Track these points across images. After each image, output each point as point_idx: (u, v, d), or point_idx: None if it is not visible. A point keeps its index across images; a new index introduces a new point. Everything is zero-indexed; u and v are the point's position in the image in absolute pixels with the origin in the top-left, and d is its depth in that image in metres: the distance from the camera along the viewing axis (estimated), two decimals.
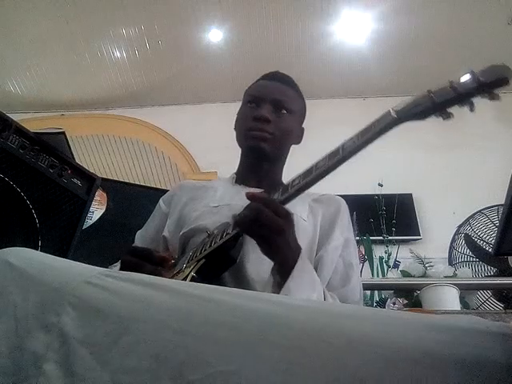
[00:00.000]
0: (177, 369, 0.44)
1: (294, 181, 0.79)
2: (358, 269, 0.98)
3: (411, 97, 0.71)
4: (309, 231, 0.97)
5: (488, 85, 0.64)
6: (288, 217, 0.77)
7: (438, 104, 0.67)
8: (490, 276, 2.14)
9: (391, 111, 0.71)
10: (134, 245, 1.09)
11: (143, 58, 4.26)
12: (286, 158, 1.13)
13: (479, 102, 0.66)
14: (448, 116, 0.68)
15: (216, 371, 0.43)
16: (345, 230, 1.02)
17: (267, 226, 0.74)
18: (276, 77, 1.12)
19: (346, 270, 0.96)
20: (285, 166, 1.14)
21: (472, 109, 0.66)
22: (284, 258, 0.78)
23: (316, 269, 0.93)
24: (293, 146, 1.14)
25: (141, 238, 1.09)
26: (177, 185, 1.18)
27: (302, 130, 1.15)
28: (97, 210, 2.06)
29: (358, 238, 2.24)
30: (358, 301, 0.94)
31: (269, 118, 1.02)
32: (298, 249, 0.80)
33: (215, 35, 4.06)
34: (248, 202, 0.84)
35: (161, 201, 1.13)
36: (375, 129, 0.71)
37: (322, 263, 0.94)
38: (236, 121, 1.12)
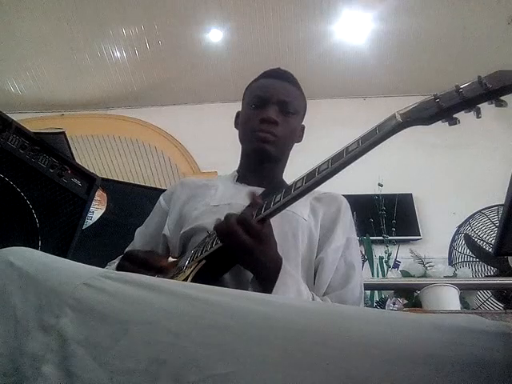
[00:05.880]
0: (175, 371, 0.44)
1: (296, 183, 0.78)
2: (359, 268, 0.97)
3: (416, 100, 0.69)
4: (310, 231, 0.96)
5: (495, 92, 0.62)
6: (259, 236, 0.77)
7: (444, 109, 0.65)
8: (490, 276, 2.13)
9: (396, 115, 0.69)
10: (132, 244, 1.08)
11: (143, 57, 4.25)
12: (287, 158, 1.12)
13: None
14: (454, 122, 0.66)
15: (215, 373, 0.43)
16: (347, 229, 1.00)
17: (235, 245, 0.76)
18: (279, 75, 1.09)
19: (346, 270, 0.94)
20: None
21: (479, 115, 0.65)
22: (257, 273, 0.80)
23: (316, 270, 0.93)
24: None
25: (141, 235, 1.09)
26: (178, 182, 1.17)
27: (303, 127, 1.13)
28: (97, 210, 2.06)
29: (358, 237, 2.23)
30: (357, 301, 0.92)
31: (277, 120, 1.00)
32: (278, 261, 0.80)
33: (215, 35, 4.06)
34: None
35: (161, 198, 1.12)
36: (380, 133, 0.70)
37: (323, 265, 0.93)
38: (241, 122, 1.10)
